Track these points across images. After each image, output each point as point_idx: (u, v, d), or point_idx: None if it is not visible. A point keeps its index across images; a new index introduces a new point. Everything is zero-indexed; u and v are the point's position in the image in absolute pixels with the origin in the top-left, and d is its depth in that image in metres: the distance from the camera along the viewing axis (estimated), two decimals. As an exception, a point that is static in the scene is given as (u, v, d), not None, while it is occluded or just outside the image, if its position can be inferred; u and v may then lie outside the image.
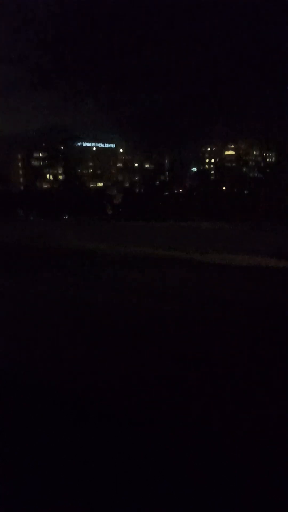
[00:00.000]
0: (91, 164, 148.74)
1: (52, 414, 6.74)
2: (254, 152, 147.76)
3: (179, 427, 6.28)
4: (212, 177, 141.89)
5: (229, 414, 6.57)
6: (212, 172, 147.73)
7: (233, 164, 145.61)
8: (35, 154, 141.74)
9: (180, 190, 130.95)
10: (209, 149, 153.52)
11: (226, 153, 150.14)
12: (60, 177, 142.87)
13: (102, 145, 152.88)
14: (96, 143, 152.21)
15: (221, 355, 8.93)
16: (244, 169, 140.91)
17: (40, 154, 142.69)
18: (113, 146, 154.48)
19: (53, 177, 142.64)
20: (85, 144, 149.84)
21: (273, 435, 6.01)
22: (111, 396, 7.29)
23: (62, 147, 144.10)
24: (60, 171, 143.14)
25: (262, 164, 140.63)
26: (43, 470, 5.41)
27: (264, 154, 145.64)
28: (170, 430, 6.19)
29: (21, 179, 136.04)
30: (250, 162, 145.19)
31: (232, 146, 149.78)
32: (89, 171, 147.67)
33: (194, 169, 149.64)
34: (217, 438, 5.99)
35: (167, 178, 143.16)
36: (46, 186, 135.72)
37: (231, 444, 5.85)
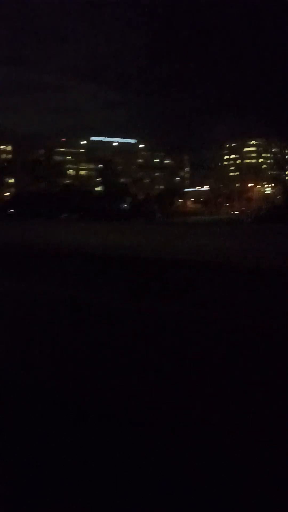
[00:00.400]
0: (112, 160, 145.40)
1: (52, 414, 6.74)
2: (273, 150, 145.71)
3: (179, 427, 6.27)
4: (231, 174, 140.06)
5: (229, 414, 6.57)
6: (231, 168, 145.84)
7: (253, 161, 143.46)
8: (57, 150, 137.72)
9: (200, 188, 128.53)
10: (227, 145, 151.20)
11: (246, 149, 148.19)
12: (83, 172, 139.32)
13: (123, 140, 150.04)
14: (117, 139, 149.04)
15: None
16: (264, 166, 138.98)
17: (63, 149, 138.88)
18: (134, 141, 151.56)
19: (75, 173, 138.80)
20: (106, 139, 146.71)
21: (273, 435, 6.01)
22: (111, 396, 7.28)
23: (83, 143, 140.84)
24: (82, 167, 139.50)
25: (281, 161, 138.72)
26: (43, 470, 5.42)
27: (284, 151, 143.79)
28: (170, 430, 6.19)
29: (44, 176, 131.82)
30: (270, 160, 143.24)
31: (252, 142, 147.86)
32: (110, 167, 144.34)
33: (211, 165, 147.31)
34: (217, 438, 5.99)
35: (187, 175, 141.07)
36: (68, 181, 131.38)
37: (231, 444, 5.84)
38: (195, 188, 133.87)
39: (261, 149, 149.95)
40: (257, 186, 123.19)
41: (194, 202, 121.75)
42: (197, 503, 4.84)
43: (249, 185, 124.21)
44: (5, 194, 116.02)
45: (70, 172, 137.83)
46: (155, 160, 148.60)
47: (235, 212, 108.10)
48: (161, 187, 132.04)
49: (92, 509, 4.81)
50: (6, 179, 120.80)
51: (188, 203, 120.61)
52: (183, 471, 5.32)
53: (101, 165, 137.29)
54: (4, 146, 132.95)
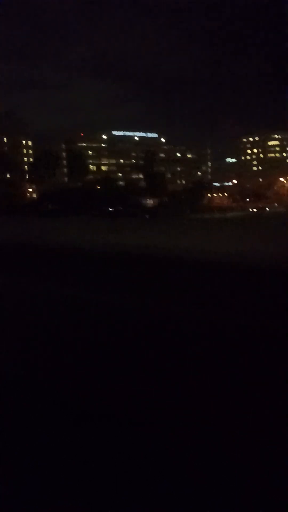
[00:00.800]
0: (133, 154, 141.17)
1: (52, 414, 6.74)
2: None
3: (179, 427, 6.28)
4: (254, 168, 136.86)
5: (229, 414, 6.58)
6: (254, 163, 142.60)
7: (277, 155, 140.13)
8: (79, 144, 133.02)
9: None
10: (250, 139, 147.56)
11: (270, 143, 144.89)
12: (104, 168, 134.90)
13: (144, 134, 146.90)
14: (138, 133, 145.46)
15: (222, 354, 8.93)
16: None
17: (84, 144, 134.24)
18: (155, 135, 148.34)
19: (96, 168, 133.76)
20: (127, 133, 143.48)
21: (273, 435, 6.01)
22: (111, 396, 7.29)
23: (104, 137, 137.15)
24: (105, 162, 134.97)
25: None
26: (43, 470, 5.42)
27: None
28: (170, 430, 6.19)
29: (66, 171, 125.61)
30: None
31: (275, 136, 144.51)
32: (132, 161, 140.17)
33: (231, 159, 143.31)
34: (217, 438, 5.99)
35: (209, 169, 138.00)
36: (89, 177, 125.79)
37: (231, 444, 5.85)
38: (222, 182, 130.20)
39: (285, 142, 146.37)
40: (284, 181, 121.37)
41: (222, 197, 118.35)
42: (197, 503, 4.84)
43: (280, 179, 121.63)
44: (29, 190, 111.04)
45: (92, 167, 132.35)
46: (177, 154, 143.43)
47: (267, 207, 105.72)
48: (183, 182, 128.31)
49: (92, 509, 4.80)
50: (28, 174, 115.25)
51: (217, 198, 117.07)
52: (183, 471, 5.32)
53: (122, 160, 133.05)
54: (24, 142, 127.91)
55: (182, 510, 4.76)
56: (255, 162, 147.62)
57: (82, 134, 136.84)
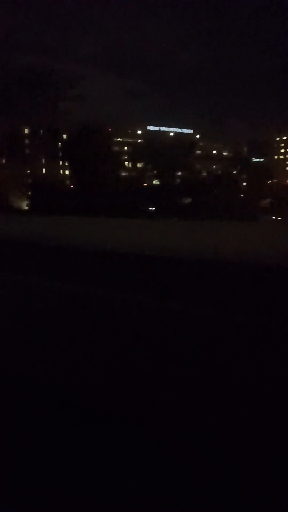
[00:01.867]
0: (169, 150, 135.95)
1: (52, 414, 6.74)
2: None
3: (179, 427, 6.28)
4: None
5: (229, 414, 6.58)
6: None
7: None
8: (117, 139, 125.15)
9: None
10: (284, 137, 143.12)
11: None
12: (139, 165, 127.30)
13: (179, 130, 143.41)
14: (173, 128, 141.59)
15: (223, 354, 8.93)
16: None
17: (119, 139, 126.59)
18: (191, 131, 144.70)
19: (132, 166, 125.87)
20: (162, 128, 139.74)
21: (274, 435, 6.01)
22: (112, 395, 7.29)
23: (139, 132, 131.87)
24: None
25: None
26: (43, 470, 5.42)
27: None
28: (170, 430, 6.19)
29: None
30: None
31: None
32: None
33: (260, 159, 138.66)
34: (217, 438, 6.00)
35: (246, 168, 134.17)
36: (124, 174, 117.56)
37: (231, 444, 5.85)
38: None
39: None
40: None
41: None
42: (197, 503, 4.84)
43: None
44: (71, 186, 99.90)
45: (126, 164, 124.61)
46: (214, 152, 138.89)
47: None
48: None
49: (92, 509, 4.81)
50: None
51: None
52: (184, 472, 5.32)
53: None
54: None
55: (182, 510, 4.77)
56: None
57: (110, 130, 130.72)
